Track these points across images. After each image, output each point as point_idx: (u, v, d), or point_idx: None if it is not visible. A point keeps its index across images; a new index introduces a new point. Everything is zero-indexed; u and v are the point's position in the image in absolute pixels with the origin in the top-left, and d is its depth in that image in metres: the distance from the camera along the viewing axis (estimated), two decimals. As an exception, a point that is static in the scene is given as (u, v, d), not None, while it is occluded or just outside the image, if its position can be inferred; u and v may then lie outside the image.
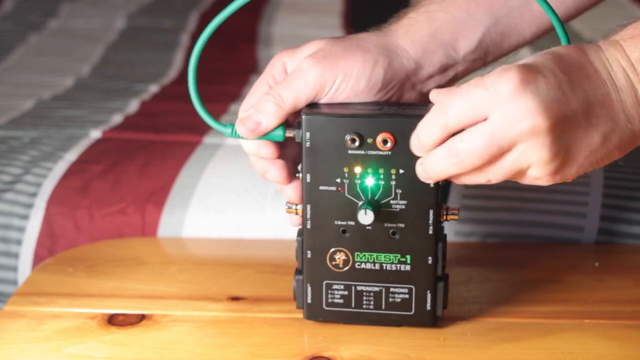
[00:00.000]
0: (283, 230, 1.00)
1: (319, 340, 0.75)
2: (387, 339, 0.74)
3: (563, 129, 0.63)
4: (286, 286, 0.84)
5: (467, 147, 0.63)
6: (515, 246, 0.96)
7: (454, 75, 0.80)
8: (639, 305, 0.81)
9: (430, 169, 0.66)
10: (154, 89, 1.48)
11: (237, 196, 1.04)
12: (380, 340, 0.74)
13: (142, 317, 0.79)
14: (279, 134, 0.73)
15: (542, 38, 0.84)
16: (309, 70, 0.73)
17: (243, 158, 1.12)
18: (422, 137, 0.66)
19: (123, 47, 1.76)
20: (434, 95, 0.66)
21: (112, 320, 0.78)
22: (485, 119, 0.63)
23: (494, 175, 0.65)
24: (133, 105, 1.38)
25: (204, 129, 1.23)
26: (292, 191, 0.75)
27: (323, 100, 0.74)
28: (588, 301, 0.82)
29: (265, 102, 0.73)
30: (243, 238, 1.00)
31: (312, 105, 0.74)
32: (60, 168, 1.09)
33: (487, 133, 0.62)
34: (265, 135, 0.73)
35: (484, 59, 0.81)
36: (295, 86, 0.73)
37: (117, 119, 1.30)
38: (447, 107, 0.64)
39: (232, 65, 1.58)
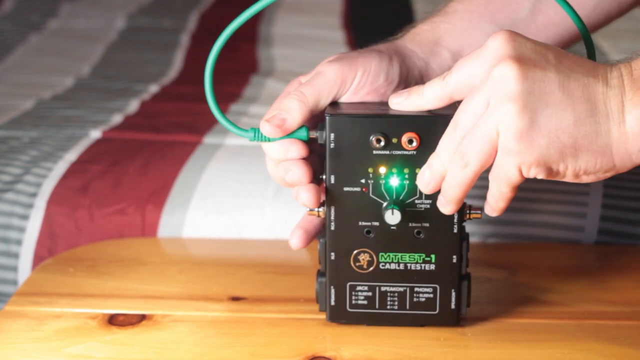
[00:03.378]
0: (283, 230, 1.00)
1: (320, 340, 0.75)
2: (387, 339, 0.74)
3: (533, 87, 0.62)
4: (287, 286, 0.84)
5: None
6: (515, 246, 0.96)
7: None
8: (639, 305, 0.81)
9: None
10: (154, 89, 1.48)
11: (237, 196, 1.04)
12: (380, 341, 0.74)
13: (143, 317, 0.79)
14: (302, 134, 0.73)
15: None
16: (328, 69, 0.73)
17: (243, 158, 1.13)
18: (424, 92, 0.69)
19: (123, 47, 1.76)
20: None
21: (113, 321, 0.78)
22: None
23: (469, 148, 0.65)
24: (133, 105, 1.38)
25: (204, 129, 1.23)
26: (307, 194, 0.74)
27: (344, 98, 0.74)
28: (588, 301, 0.82)
29: (288, 101, 0.73)
30: (243, 238, 1.00)
31: (335, 106, 0.73)
32: (60, 168, 1.09)
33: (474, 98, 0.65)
34: (289, 136, 0.73)
35: None
36: (316, 83, 0.73)
37: (117, 119, 1.30)
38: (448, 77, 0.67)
39: (232, 66, 1.58)
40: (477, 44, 0.79)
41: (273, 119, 0.72)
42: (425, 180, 0.68)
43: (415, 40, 0.79)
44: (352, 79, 0.73)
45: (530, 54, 0.63)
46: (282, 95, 0.76)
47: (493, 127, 0.63)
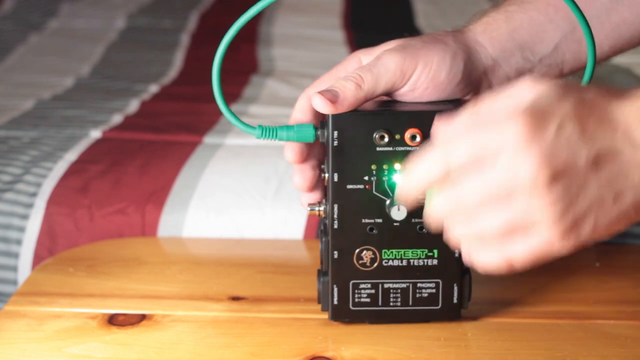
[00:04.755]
0: (283, 230, 1.00)
1: (320, 340, 0.75)
2: (387, 338, 0.74)
3: (570, 183, 0.57)
4: (286, 286, 0.84)
5: (467, 187, 0.58)
6: (515, 246, 0.96)
7: None
8: (639, 305, 0.81)
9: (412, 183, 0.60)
10: (154, 89, 1.48)
11: (237, 196, 1.04)
12: (380, 340, 0.74)
13: (143, 317, 0.79)
14: (310, 133, 0.73)
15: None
16: (389, 58, 0.71)
17: (243, 158, 1.13)
18: (418, 170, 0.59)
19: (123, 47, 1.76)
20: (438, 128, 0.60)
21: (113, 320, 0.78)
22: (489, 163, 0.57)
23: (489, 223, 0.58)
24: (133, 105, 1.38)
25: (204, 129, 1.24)
26: (309, 196, 0.75)
27: (403, 90, 0.72)
28: (589, 301, 0.82)
29: (344, 81, 0.71)
30: (243, 238, 1.00)
31: None
32: (60, 168, 1.09)
33: (489, 179, 0.57)
34: (296, 136, 0.73)
35: (560, 66, 0.78)
36: (376, 71, 0.71)
37: (117, 119, 1.30)
38: (450, 147, 0.58)
39: (232, 65, 1.58)
40: (549, 40, 0.77)
41: (326, 92, 0.70)
42: (408, 199, 0.61)
43: (486, 32, 0.76)
44: (411, 73, 0.71)
45: (556, 145, 0.56)
46: (339, 67, 0.75)
47: (526, 221, 0.57)
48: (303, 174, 0.75)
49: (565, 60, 0.78)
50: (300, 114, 0.75)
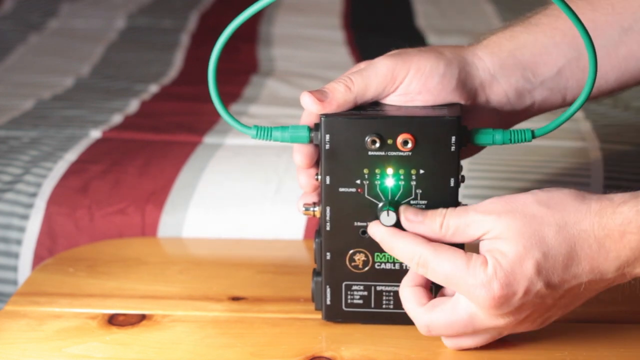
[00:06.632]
0: (283, 230, 1.00)
1: (319, 340, 0.75)
2: (387, 339, 0.75)
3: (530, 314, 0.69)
4: (286, 286, 0.84)
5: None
6: (515, 246, 0.96)
7: (532, 103, 0.77)
8: (639, 305, 0.81)
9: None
10: (154, 89, 1.48)
11: (237, 196, 1.04)
12: (380, 341, 0.74)
13: (143, 317, 0.79)
14: (304, 134, 0.73)
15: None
16: (381, 63, 0.72)
17: (243, 158, 1.13)
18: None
19: (123, 47, 1.76)
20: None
21: (113, 320, 0.78)
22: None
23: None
24: (133, 105, 1.38)
25: (204, 129, 1.24)
26: (309, 197, 0.76)
27: (394, 95, 0.73)
28: (588, 301, 0.81)
29: (335, 82, 0.72)
30: (243, 238, 1.00)
31: None
32: (60, 168, 1.09)
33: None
34: (290, 137, 0.73)
35: (563, 92, 0.78)
36: (366, 74, 0.72)
37: (117, 119, 1.30)
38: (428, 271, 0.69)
39: (232, 65, 1.58)
40: (553, 64, 0.77)
41: (316, 92, 0.71)
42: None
43: (488, 48, 0.76)
44: (402, 78, 0.72)
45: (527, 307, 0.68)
46: (340, 77, 0.75)
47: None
48: (305, 175, 0.75)
49: (568, 87, 0.78)
50: (308, 117, 0.75)
